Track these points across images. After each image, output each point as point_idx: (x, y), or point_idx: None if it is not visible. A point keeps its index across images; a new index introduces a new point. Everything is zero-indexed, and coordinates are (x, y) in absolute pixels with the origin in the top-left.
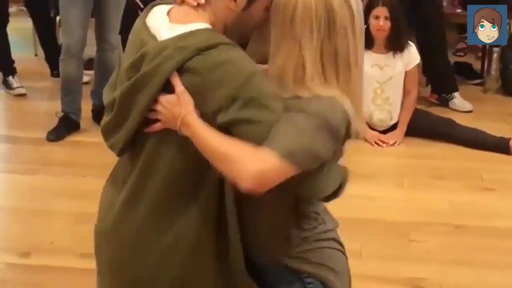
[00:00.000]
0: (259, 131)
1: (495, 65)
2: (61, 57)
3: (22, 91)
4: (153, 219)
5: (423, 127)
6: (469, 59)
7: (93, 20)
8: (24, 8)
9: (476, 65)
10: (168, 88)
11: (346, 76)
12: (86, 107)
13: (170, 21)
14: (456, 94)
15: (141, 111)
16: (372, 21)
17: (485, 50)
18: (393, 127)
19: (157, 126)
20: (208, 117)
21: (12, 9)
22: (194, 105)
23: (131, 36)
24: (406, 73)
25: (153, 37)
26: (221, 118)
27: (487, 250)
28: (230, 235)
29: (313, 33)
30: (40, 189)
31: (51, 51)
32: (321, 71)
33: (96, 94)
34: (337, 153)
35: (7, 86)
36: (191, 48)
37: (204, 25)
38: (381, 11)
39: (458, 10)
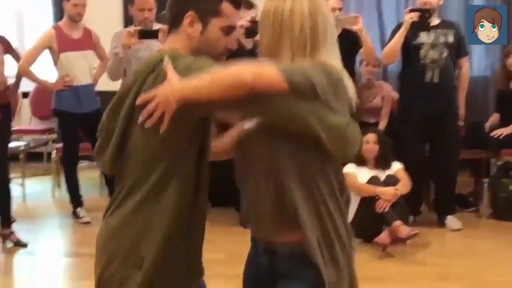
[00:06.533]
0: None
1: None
2: None
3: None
4: (136, 212)
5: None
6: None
7: None
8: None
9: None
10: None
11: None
12: None
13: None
14: (449, 216)
15: (127, 112)
16: (364, 145)
17: (477, 183)
18: None
19: (155, 115)
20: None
21: (84, 164)
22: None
23: None
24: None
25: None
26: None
27: None
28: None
29: (295, 31)
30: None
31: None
32: (306, 51)
33: None
34: (328, 99)
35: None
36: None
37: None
38: (371, 137)
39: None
